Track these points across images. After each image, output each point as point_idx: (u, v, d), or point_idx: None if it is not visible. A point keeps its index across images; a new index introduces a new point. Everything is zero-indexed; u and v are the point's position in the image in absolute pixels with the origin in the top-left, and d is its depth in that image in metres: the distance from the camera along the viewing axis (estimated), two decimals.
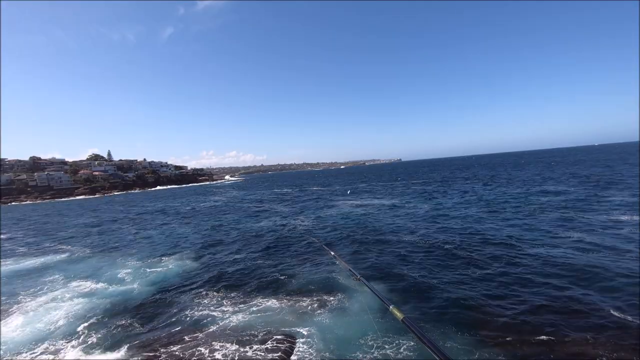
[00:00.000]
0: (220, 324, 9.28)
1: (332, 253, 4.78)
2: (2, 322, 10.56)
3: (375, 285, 11.06)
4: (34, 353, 8.50)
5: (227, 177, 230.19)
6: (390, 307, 2.25)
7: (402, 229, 19.45)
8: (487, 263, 12.29)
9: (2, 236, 31.20)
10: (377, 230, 19.45)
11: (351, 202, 36.07)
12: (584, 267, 10.88)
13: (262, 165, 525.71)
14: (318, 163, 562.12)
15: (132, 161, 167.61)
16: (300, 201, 42.01)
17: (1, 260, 15.51)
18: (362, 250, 15.50)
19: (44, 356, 8.32)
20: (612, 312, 8.02)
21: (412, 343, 7.42)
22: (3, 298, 12.83)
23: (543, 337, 7.27)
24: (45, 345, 8.90)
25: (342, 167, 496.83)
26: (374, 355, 7.22)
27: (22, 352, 8.56)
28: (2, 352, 8.49)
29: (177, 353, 7.91)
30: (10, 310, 11.55)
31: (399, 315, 2.13)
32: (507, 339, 7.37)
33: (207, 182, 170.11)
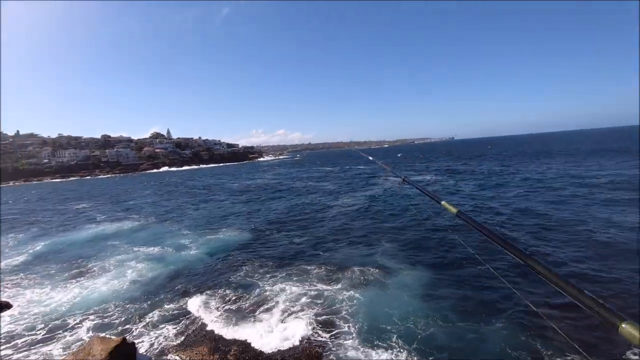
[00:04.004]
0: (268, 293, 9.63)
1: (371, 158, 5.25)
2: (87, 278, 11.84)
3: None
4: (114, 306, 9.54)
5: (266, 157, 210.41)
6: (442, 202, 2.23)
7: None
8: None
9: (83, 205, 34.98)
10: None
11: None
12: None
13: (309, 143, 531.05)
14: (366, 141, 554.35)
15: (188, 139, 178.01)
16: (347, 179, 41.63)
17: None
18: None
19: (110, 312, 9.15)
20: None
21: (442, 324, 7.08)
22: (91, 256, 14.44)
23: None
24: (119, 299, 9.95)
25: (385, 145, 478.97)
26: (404, 330, 7.20)
27: (104, 305, 9.65)
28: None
29: (226, 317, 8.33)
30: (96, 267, 13.09)
31: (452, 209, 2.10)
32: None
33: (257, 160, 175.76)
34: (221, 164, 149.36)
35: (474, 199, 20.63)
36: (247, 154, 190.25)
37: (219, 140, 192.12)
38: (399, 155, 78.35)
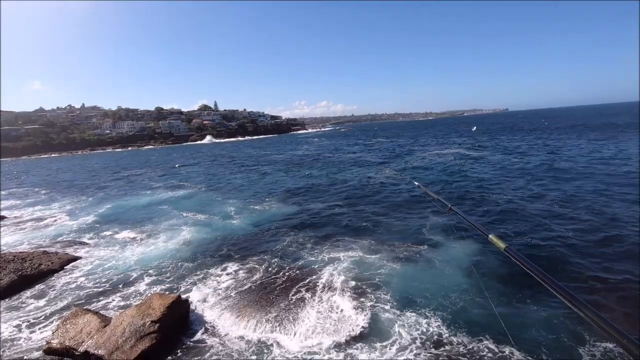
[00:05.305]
0: (311, 264, 9.70)
1: (417, 183, 4.51)
2: (144, 239, 12.90)
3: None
4: (169, 265, 10.31)
5: (309, 129, 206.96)
6: (490, 235, 1.92)
7: None
8: None
9: (140, 173, 37.83)
10: None
11: None
12: None
13: (352, 115, 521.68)
14: (410, 113, 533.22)
15: (234, 111, 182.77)
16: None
17: None
18: None
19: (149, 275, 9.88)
20: None
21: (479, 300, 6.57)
22: (147, 219, 15.73)
23: None
24: (174, 260, 10.73)
25: (430, 118, 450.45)
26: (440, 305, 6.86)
27: (160, 263, 10.48)
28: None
29: (268, 284, 8.63)
30: (152, 229, 14.20)
31: (500, 244, 1.81)
32: None
33: (299, 132, 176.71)
34: (263, 136, 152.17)
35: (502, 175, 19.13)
36: (289, 126, 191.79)
37: (263, 112, 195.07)
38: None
